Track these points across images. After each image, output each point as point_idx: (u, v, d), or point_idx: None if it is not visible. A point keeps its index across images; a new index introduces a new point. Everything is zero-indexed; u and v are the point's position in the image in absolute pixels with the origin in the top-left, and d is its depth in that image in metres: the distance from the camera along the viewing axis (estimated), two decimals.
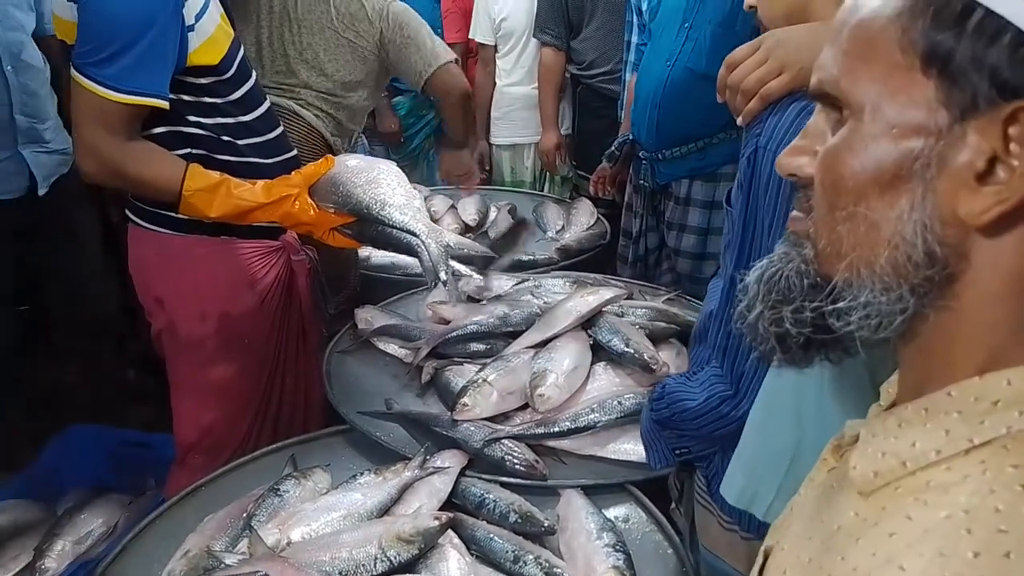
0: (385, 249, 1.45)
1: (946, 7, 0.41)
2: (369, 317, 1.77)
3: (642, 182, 2.24)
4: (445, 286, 1.30)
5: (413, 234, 1.31)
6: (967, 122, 0.41)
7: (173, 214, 1.38)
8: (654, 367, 1.39)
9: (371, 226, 1.35)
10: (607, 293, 1.56)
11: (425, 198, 2.57)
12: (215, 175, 1.32)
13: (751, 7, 1.05)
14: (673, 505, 1.27)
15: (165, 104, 1.28)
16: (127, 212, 1.48)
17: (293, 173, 1.36)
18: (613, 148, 2.33)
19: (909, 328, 0.46)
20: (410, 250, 1.34)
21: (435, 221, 2.39)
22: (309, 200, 1.32)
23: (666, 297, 1.87)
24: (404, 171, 3.38)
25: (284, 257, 1.55)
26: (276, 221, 1.34)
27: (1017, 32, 0.39)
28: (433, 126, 3.30)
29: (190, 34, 1.28)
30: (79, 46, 1.24)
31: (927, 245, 0.43)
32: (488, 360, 1.53)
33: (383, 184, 1.33)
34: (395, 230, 1.32)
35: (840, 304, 0.46)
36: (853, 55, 0.45)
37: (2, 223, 2.11)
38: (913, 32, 0.42)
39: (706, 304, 1.16)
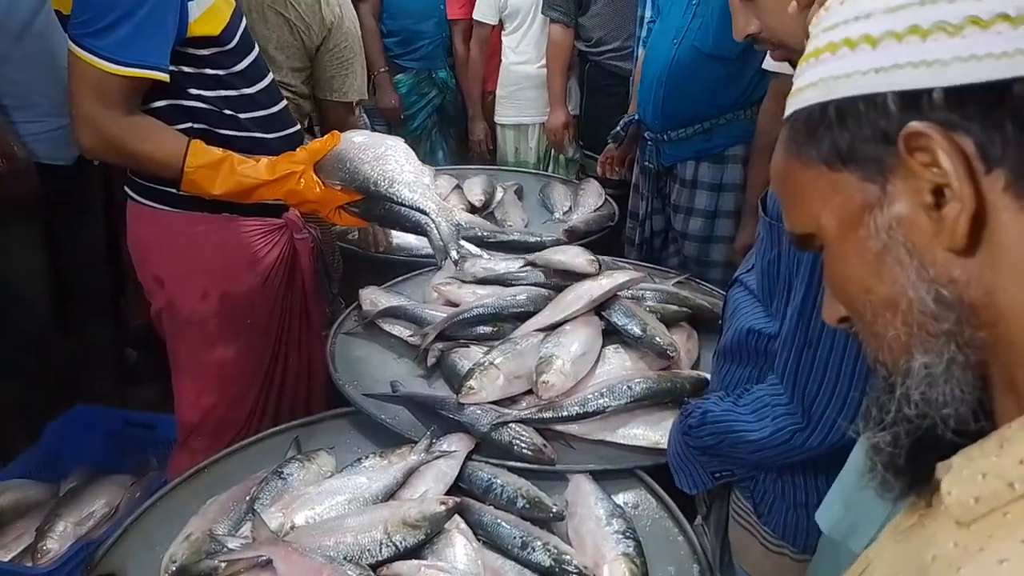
0: (393, 228, 1.42)
1: (808, 120, 0.49)
2: (374, 298, 1.75)
3: (647, 163, 2.21)
4: (456, 265, 1.27)
5: (423, 212, 1.28)
6: (889, 178, 0.45)
7: (171, 190, 1.34)
8: (672, 354, 1.36)
9: (379, 204, 1.31)
10: (621, 276, 1.52)
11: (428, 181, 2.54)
12: (218, 151, 1.28)
13: (749, 36, 0.98)
14: (699, 520, 1.23)
15: (165, 76, 1.24)
16: (125, 188, 1.45)
17: (298, 149, 1.32)
18: (619, 128, 2.29)
19: (977, 366, 0.46)
20: (418, 228, 1.31)
21: None
22: (315, 177, 1.28)
23: (676, 280, 1.84)
24: None
25: (287, 235, 1.52)
26: (281, 199, 1.30)
27: (860, 98, 0.46)
28: (436, 104, 3.26)
29: (190, 3, 1.24)
30: (75, 16, 1.20)
31: (934, 293, 0.45)
32: (495, 343, 1.51)
33: (391, 160, 1.29)
34: (404, 208, 1.28)
35: (904, 387, 0.47)
36: (790, 203, 0.53)
37: (45, 189, 2.07)
38: (805, 153, 0.49)
39: (737, 319, 1.09)
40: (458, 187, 2.51)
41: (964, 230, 0.42)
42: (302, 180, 1.27)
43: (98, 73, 1.19)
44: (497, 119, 3.12)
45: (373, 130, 3.22)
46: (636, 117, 2.23)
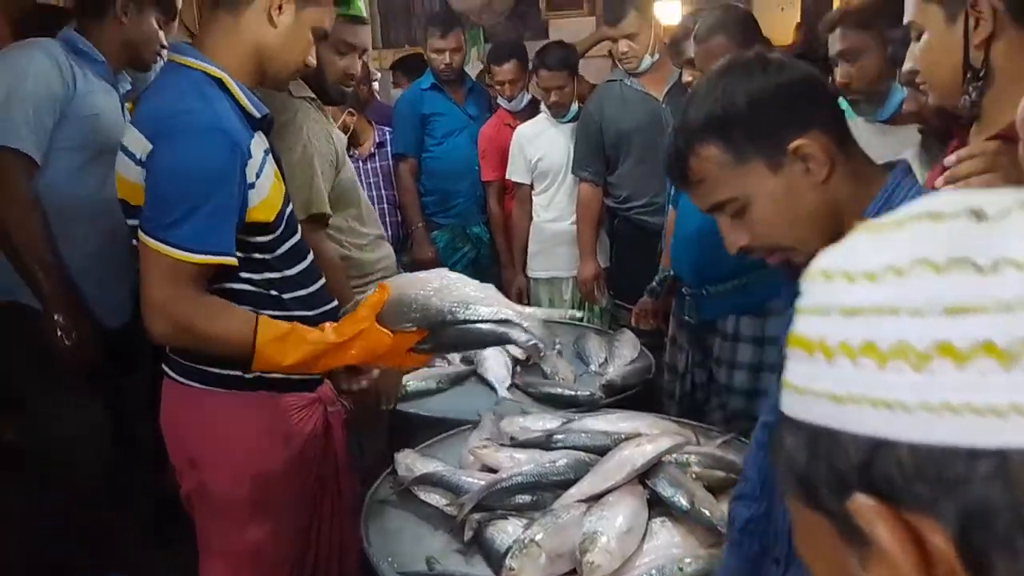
0: (468, 349, 1.43)
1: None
2: (409, 463, 1.70)
3: (687, 318, 2.20)
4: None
5: (508, 322, 1.31)
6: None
7: (208, 368, 1.36)
8: (723, 529, 1.29)
9: (448, 333, 1.33)
10: (666, 442, 1.48)
11: None
12: (284, 324, 1.30)
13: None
14: None
15: (234, 261, 1.29)
16: (163, 366, 1.45)
17: (359, 306, 1.33)
18: (655, 283, 2.31)
19: None
20: (502, 339, 1.34)
21: (475, 352, 2.36)
22: (381, 328, 1.29)
23: (721, 440, 1.78)
24: None
25: (320, 409, 1.50)
26: (354, 361, 1.31)
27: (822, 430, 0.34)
28: (470, 258, 3.35)
29: (250, 192, 1.31)
30: (148, 209, 1.26)
31: None
32: (536, 514, 1.44)
33: (455, 287, 1.34)
34: (484, 324, 1.30)
35: None
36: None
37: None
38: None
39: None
40: None
41: None
42: (371, 335, 1.28)
43: (171, 262, 1.23)
44: (530, 273, 3.18)
45: None
46: (671, 272, 2.25)
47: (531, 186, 3.12)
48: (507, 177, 3.16)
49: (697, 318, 2.17)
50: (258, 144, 1.34)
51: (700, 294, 2.13)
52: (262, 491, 1.41)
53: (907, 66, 1.19)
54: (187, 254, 1.23)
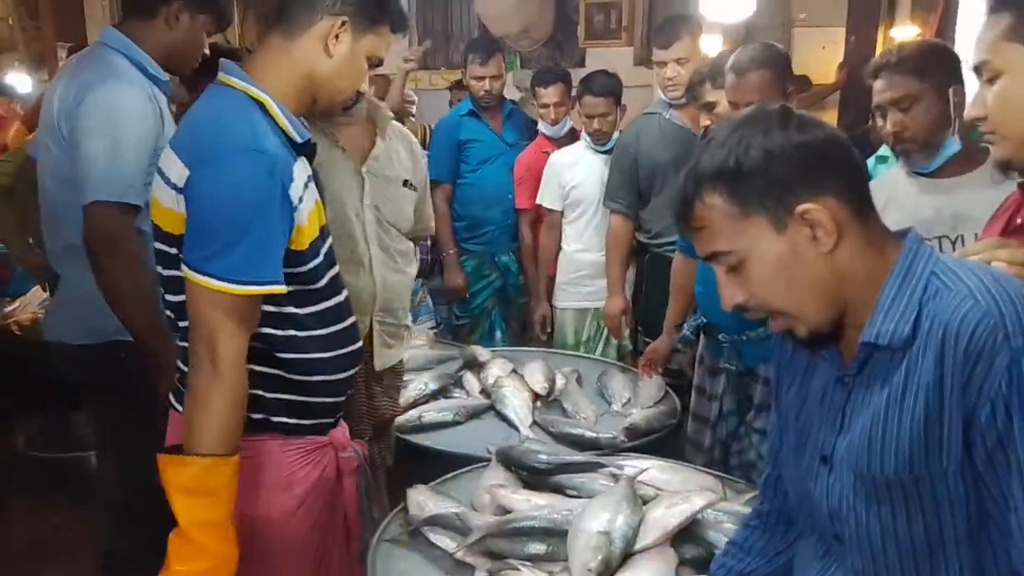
0: None
1: None
2: (421, 500, 1.63)
3: (726, 365, 2.11)
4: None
5: None
6: None
7: None
8: None
9: None
10: (699, 501, 1.40)
11: (485, 361, 2.51)
12: (219, 499, 1.20)
13: (737, 306, 0.95)
14: None
15: (283, 288, 1.23)
16: (170, 396, 1.40)
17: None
18: (687, 332, 2.23)
19: None
20: None
21: (495, 387, 2.30)
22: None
23: (751, 495, 1.69)
24: (465, 329, 3.35)
25: (331, 455, 1.42)
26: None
27: None
28: (496, 286, 3.30)
29: (295, 214, 1.25)
30: (189, 239, 1.20)
31: None
32: (552, 567, 1.37)
33: None
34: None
35: None
36: None
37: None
38: None
39: None
40: (514, 371, 2.45)
41: None
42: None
43: (211, 295, 1.18)
44: (556, 303, 3.12)
45: (435, 307, 3.27)
46: (704, 319, 2.18)
47: (562, 214, 3.07)
48: (538, 202, 3.11)
49: (738, 365, 2.09)
50: (301, 169, 1.28)
51: (740, 340, 2.05)
52: (262, 535, 1.33)
53: (973, 112, 1.09)
54: (229, 285, 1.17)
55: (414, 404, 2.24)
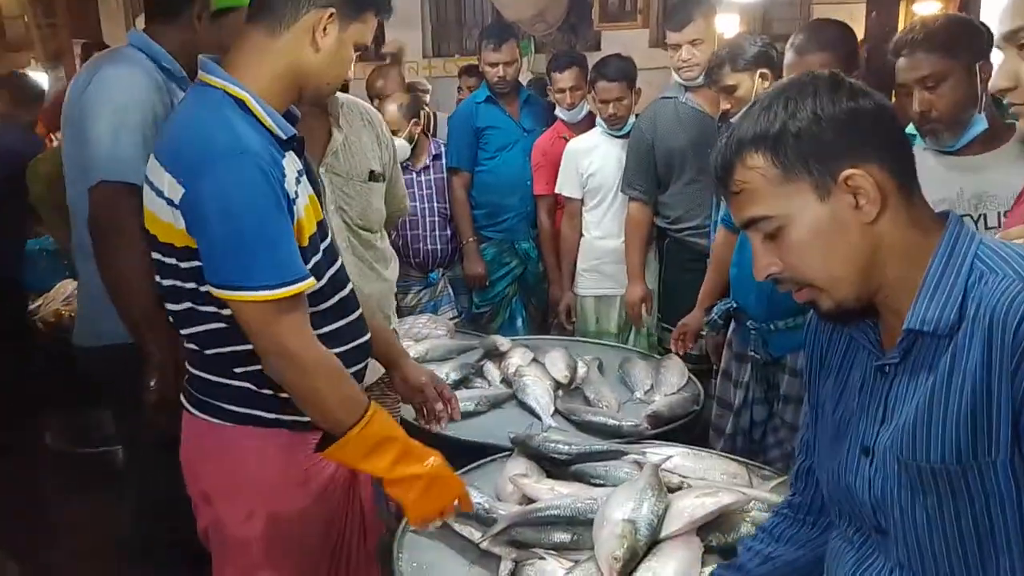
0: None
1: None
2: None
3: (752, 353, 2.09)
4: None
5: None
6: None
7: (225, 405, 1.30)
8: None
9: None
10: (726, 498, 1.39)
11: (506, 351, 2.50)
12: (397, 430, 1.30)
13: (771, 276, 0.92)
14: None
15: (314, 282, 1.23)
16: (181, 397, 1.39)
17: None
18: (715, 316, 2.20)
19: None
20: None
21: (517, 376, 2.29)
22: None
23: (777, 482, 1.67)
24: (485, 318, 3.34)
25: None
26: (414, 494, 1.30)
27: None
28: (516, 274, 3.30)
29: (294, 207, 1.23)
30: (209, 261, 1.19)
31: None
32: (578, 555, 1.37)
33: None
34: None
35: None
36: None
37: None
38: None
39: None
40: (535, 360, 2.44)
41: None
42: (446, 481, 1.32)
43: (260, 307, 1.17)
44: (578, 290, 3.10)
45: (456, 297, 3.27)
46: (733, 304, 2.15)
47: (582, 201, 3.04)
48: (557, 191, 3.09)
49: (764, 354, 2.06)
50: (290, 164, 1.26)
51: (767, 329, 2.03)
52: (277, 531, 1.34)
53: (1002, 83, 1.04)
54: (268, 292, 1.17)
55: None
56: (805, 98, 0.86)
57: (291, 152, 1.28)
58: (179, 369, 1.47)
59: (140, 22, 2.04)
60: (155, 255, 1.28)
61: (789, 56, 1.95)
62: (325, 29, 1.25)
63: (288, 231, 1.21)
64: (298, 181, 1.26)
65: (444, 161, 3.24)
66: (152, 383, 1.64)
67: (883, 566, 0.94)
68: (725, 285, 2.31)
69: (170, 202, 1.21)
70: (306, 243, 1.26)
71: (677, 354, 2.49)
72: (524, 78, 3.80)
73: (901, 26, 4.62)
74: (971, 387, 0.82)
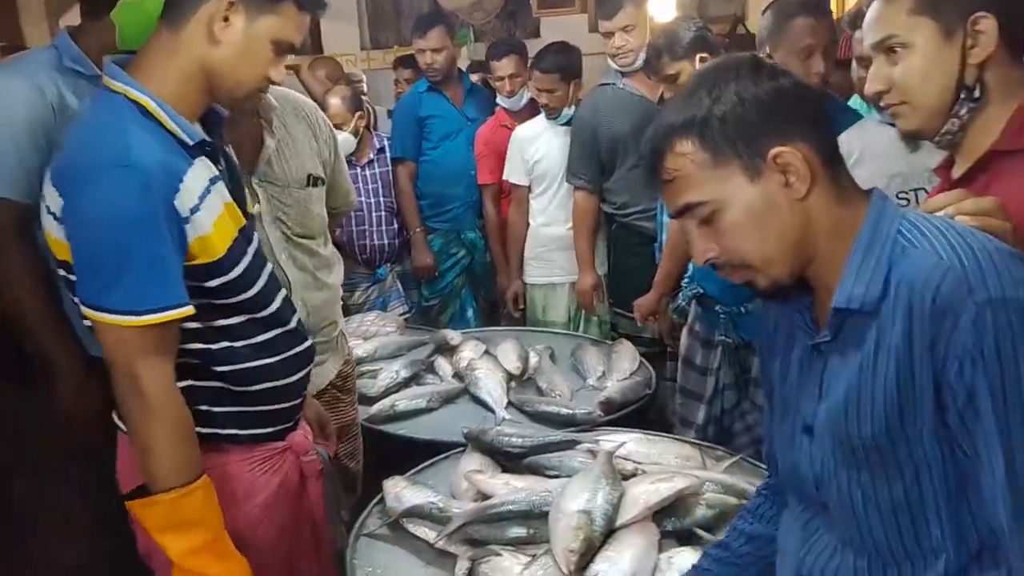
0: None
1: None
2: (399, 491, 1.60)
3: (723, 337, 2.09)
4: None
5: None
6: None
7: None
8: None
9: None
10: (680, 483, 1.39)
11: (457, 345, 2.48)
12: (211, 520, 1.17)
13: (709, 261, 0.92)
14: None
15: (191, 310, 1.15)
16: (114, 416, 1.31)
17: None
18: (682, 302, 2.21)
19: None
20: None
21: (469, 370, 2.27)
22: None
23: (730, 463, 1.69)
24: (435, 310, 3.30)
25: (290, 460, 1.36)
26: None
27: None
28: (464, 264, 3.27)
29: (186, 227, 1.14)
30: (80, 275, 1.12)
31: None
32: (535, 549, 1.35)
33: None
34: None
35: None
36: None
37: None
38: None
39: None
40: (487, 352, 2.42)
41: None
42: None
43: (118, 330, 1.10)
44: (526, 279, 3.09)
45: (406, 292, 3.23)
46: (700, 289, 2.15)
47: (529, 188, 3.03)
48: (504, 178, 3.06)
49: (736, 338, 2.07)
50: (198, 172, 1.17)
51: (738, 312, 2.04)
52: None
53: (876, 87, 1.09)
54: (131, 318, 1.09)
55: (386, 393, 2.20)
56: (728, 82, 0.88)
57: (204, 158, 1.20)
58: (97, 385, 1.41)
59: (64, 21, 1.93)
60: (61, 272, 1.20)
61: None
62: (227, 19, 1.16)
63: (165, 254, 1.12)
64: (208, 190, 1.18)
65: (388, 154, 3.19)
66: (63, 390, 1.59)
67: (827, 543, 0.95)
68: (681, 270, 2.33)
69: (55, 216, 1.14)
70: (222, 255, 1.19)
71: (628, 337, 2.50)
72: (463, 65, 3.76)
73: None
74: (895, 361, 0.83)
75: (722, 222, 0.88)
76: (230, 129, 1.51)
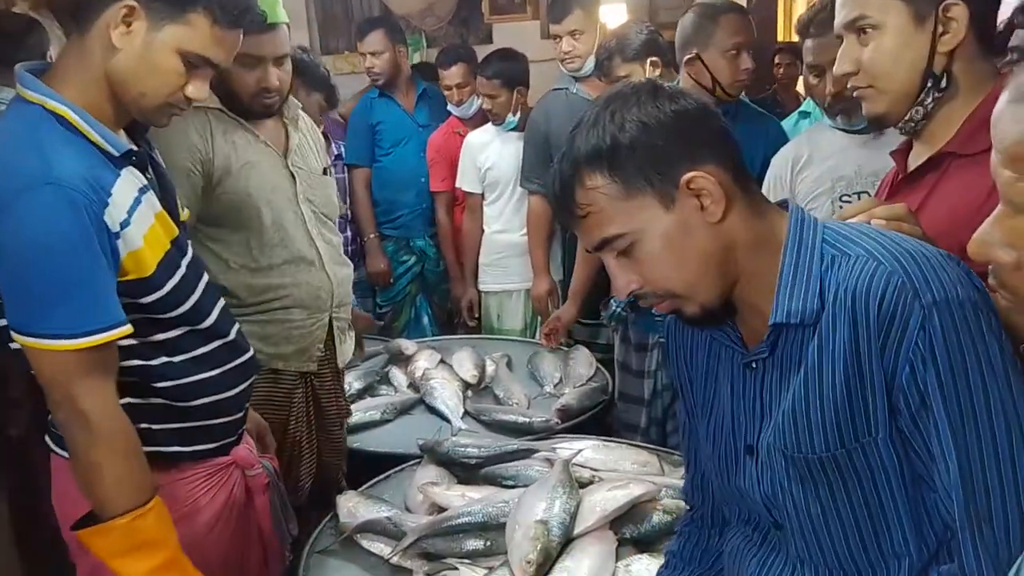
0: None
1: None
2: (352, 506, 1.57)
3: (661, 339, 2.10)
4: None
5: None
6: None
7: None
8: None
9: None
10: (637, 489, 1.38)
11: (412, 354, 2.44)
12: (167, 540, 1.13)
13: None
14: None
15: (128, 329, 1.10)
16: (46, 438, 1.25)
17: None
18: (617, 308, 2.21)
19: None
20: None
21: (424, 380, 2.23)
22: None
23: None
24: (388, 317, 3.26)
25: (235, 475, 1.32)
26: None
27: None
28: (415, 272, 3.24)
29: (117, 242, 1.10)
30: (9, 301, 1.06)
31: None
32: (491, 561, 1.33)
33: None
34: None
35: None
36: None
37: None
38: None
39: None
40: (443, 361, 2.39)
41: None
42: None
43: (55, 356, 1.05)
44: (481, 286, 3.06)
45: (360, 301, 3.17)
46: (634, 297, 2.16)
47: (482, 195, 3.00)
48: (457, 186, 3.04)
49: None
50: (126, 184, 1.12)
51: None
52: None
53: (844, 68, 1.07)
54: (67, 342, 1.05)
55: None
56: (629, 108, 0.85)
57: (130, 168, 1.15)
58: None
59: None
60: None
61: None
62: (130, 25, 1.09)
63: (98, 272, 1.07)
64: (138, 201, 1.13)
65: (343, 160, 3.15)
66: None
67: (784, 563, 0.94)
68: (596, 275, 2.33)
69: None
70: (153, 270, 1.14)
71: (583, 343, 2.49)
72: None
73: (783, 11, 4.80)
74: (842, 371, 0.82)
75: (641, 252, 0.86)
76: (261, 123, 1.72)
